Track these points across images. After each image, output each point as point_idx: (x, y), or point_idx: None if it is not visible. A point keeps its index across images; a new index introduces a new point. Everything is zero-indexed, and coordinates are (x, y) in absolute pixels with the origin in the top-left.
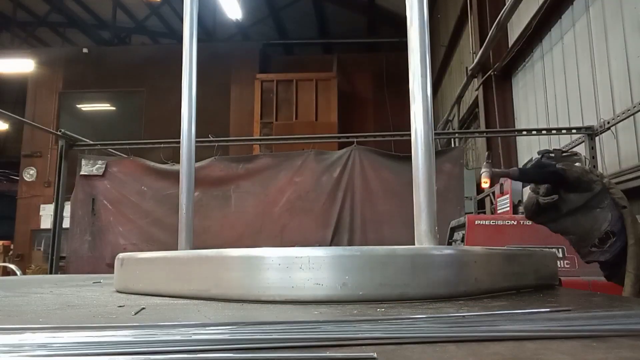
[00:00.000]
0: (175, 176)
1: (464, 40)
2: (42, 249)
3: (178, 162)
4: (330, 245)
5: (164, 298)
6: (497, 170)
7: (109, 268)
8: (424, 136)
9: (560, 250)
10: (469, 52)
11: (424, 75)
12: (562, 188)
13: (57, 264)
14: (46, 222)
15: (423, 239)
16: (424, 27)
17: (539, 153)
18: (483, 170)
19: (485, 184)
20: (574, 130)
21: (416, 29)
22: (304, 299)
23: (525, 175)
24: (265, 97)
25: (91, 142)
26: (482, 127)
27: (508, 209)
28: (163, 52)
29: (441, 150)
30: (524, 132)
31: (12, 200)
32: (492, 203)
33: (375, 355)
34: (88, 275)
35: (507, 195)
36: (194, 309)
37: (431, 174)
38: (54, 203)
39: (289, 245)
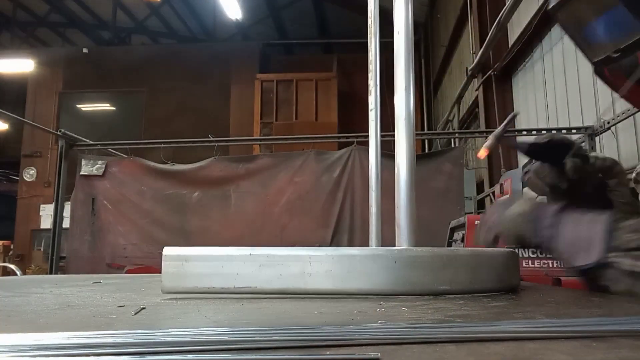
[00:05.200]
0: (175, 176)
1: (464, 40)
2: (42, 249)
3: (178, 162)
4: (330, 245)
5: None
6: (506, 135)
7: (109, 268)
8: (406, 139)
9: None
10: (469, 52)
11: (407, 78)
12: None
13: (57, 264)
14: (46, 222)
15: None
16: (409, 32)
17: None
18: (491, 136)
19: (481, 155)
20: (574, 130)
21: (402, 36)
22: (305, 293)
23: (535, 152)
24: (265, 97)
25: (91, 142)
26: (482, 127)
27: None
28: (163, 52)
29: (441, 150)
30: (524, 132)
31: (12, 200)
32: (492, 203)
33: (379, 355)
34: (88, 275)
35: (507, 196)
36: (194, 309)
37: (411, 175)
38: (54, 203)
39: (289, 245)
